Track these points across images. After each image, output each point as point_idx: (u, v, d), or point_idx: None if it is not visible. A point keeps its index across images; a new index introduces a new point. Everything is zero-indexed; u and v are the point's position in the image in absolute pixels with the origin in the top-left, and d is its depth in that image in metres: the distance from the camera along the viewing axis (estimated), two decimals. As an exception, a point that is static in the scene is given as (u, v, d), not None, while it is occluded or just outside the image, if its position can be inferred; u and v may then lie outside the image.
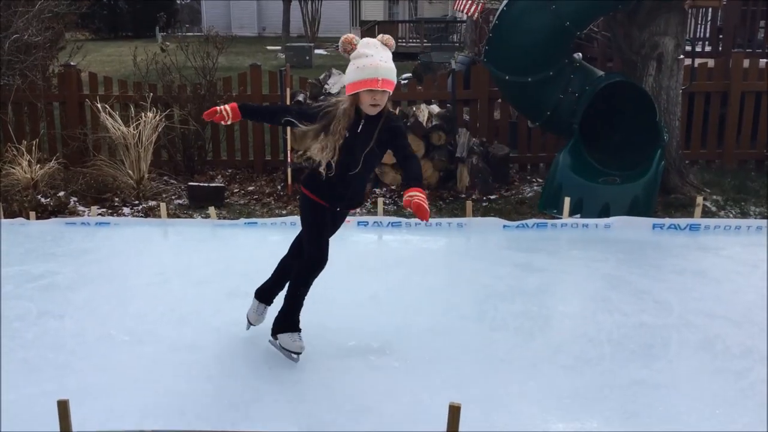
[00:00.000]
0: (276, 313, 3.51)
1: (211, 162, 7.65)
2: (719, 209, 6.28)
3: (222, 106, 3.35)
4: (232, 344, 3.66)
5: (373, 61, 3.11)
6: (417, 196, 2.95)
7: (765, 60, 8.07)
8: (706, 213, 5.99)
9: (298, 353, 3.42)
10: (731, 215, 6.12)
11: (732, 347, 3.61)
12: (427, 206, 2.96)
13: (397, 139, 3.25)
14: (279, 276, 3.66)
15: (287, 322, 3.44)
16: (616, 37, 6.73)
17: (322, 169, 3.22)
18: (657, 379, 3.32)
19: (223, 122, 3.34)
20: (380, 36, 3.26)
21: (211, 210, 5.78)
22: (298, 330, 3.43)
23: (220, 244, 5.32)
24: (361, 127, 3.21)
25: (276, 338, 3.48)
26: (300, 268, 3.45)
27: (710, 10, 9.84)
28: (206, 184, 6.72)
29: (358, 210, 6.32)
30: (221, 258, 4.98)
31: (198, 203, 6.45)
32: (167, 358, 3.51)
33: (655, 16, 6.24)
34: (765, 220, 5.57)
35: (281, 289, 3.62)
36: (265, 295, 3.70)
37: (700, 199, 5.67)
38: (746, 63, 7.60)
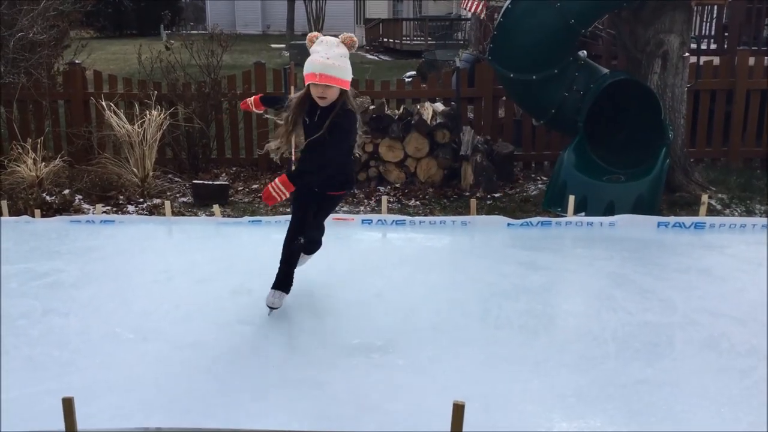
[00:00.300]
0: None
1: (215, 160, 7.66)
2: (724, 207, 6.26)
3: (249, 99, 4.18)
4: (236, 342, 3.67)
5: (316, 58, 3.48)
6: (272, 183, 3.46)
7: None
8: (711, 211, 5.98)
9: (271, 308, 3.87)
10: (736, 213, 6.10)
11: (737, 346, 3.60)
12: (273, 191, 3.45)
13: (332, 132, 3.55)
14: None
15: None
16: (621, 35, 6.71)
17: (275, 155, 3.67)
18: (661, 377, 3.31)
19: (249, 110, 4.07)
20: (342, 35, 3.59)
21: (216, 208, 5.79)
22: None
23: (224, 242, 5.33)
24: (317, 115, 3.60)
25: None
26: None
27: (716, 7, 9.81)
28: (211, 182, 6.73)
29: (361, 208, 6.32)
30: (225, 256, 4.98)
31: (202, 201, 6.45)
32: (172, 355, 3.52)
33: (660, 13, 6.22)
34: (766, 218, 5.56)
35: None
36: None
37: (705, 198, 5.65)
38: (752, 61, 7.57)
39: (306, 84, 3.56)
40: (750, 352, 3.53)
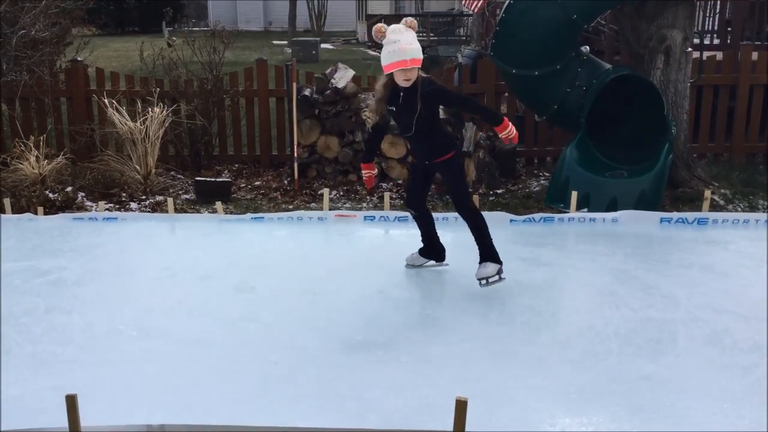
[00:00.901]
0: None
1: (217, 157, 7.67)
2: (727, 203, 6.25)
3: (367, 176, 4.37)
4: (239, 339, 3.67)
5: (403, 46, 3.83)
6: (507, 133, 3.97)
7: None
8: (714, 207, 5.96)
9: (481, 278, 4.12)
10: (739, 209, 6.09)
11: (740, 342, 3.60)
12: (515, 133, 4.00)
13: (443, 99, 4.22)
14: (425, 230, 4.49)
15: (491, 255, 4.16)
16: (624, 30, 6.69)
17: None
18: (664, 374, 3.31)
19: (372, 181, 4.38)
20: (404, 20, 3.96)
21: (218, 205, 5.79)
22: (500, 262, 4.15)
23: (227, 239, 5.33)
24: (401, 98, 3.95)
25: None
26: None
27: (719, 2, 9.78)
28: (213, 179, 6.73)
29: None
30: (228, 253, 4.99)
31: (205, 198, 6.46)
32: (175, 352, 3.53)
33: (663, 8, 6.19)
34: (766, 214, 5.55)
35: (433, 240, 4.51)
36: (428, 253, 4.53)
37: (708, 193, 5.64)
38: (755, 56, 7.54)
39: (390, 71, 3.87)
40: (753, 349, 3.52)
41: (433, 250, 4.53)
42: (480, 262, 4.16)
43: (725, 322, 3.81)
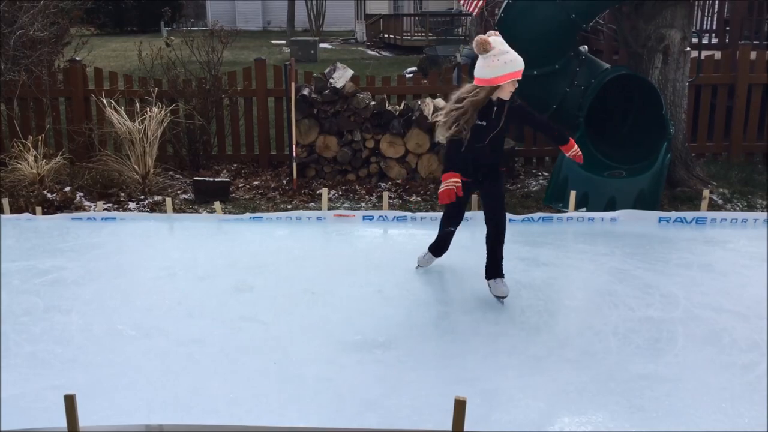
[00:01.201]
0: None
1: (216, 157, 7.66)
2: (726, 202, 6.25)
3: (456, 185, 3.91)
4: (238, 339, 3.67)
5: (515, 56, 3.85)
6: (573, 152, 4.05)
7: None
8: (713, 206, 5.97)
9: (502, 297, 4.07)
10: (738, 208, 6.10)
11: (739, 341, 3.60)
12: (580, 153, 4.06)
13: (524, 115, 4.17)
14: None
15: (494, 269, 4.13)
16: (622, 30, 6.69)
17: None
18: (663, 373, 3.31)
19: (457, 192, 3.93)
20: (494, 32, 3.96)
21: (217, 205, 5.79)
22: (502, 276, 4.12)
23: (225, 239, 5.33)
24: (495, 111, 3.92)
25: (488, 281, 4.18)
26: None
27: (717, 1, 9.78)
28: (211, 179, 6.73)
29: (363, 204, 6.33)
30: (227, 252, 4.99)
31: (203, 198, 6.46)
32: (174, 352, 3.53)
33: (662, 8, 6.20)
34: (767, 213, 5.55)
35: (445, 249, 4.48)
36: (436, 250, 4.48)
37: (706, 193, 5.65)
38: (753, 55, 7.54)
39: (502, 82, 3.83)
40: (752, 348, 3.53)
41: (443, 248, 4.51)
42: (490, 278, 4.13)
43: (724, 321, 3.81)
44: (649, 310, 3.97)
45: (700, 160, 7.29)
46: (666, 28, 6.22)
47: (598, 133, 6.34)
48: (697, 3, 6.48)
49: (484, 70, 3.85)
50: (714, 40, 9.83)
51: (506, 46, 3.86)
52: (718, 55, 7.78)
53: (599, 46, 8.54)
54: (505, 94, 3.89)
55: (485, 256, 4.15)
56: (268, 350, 3.54)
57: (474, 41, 3.85)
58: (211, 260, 4.82)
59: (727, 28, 9.66)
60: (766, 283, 4.28)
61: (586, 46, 6.60)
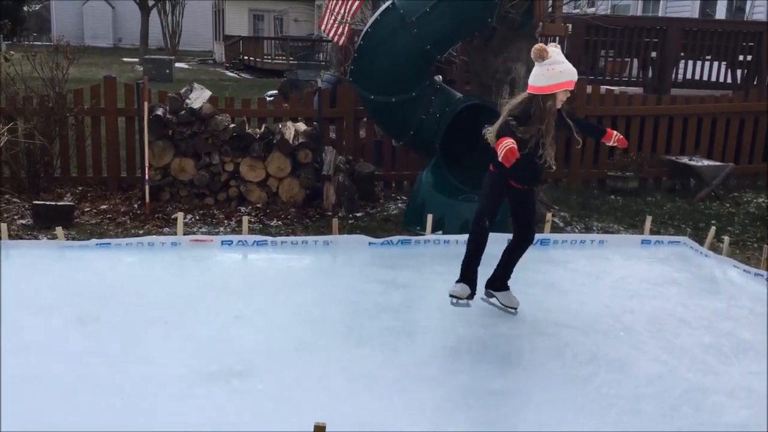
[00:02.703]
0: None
1: (59, 179, 7.16)
2: (566, 225, 6.74)
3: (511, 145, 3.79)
4: (84, 375, 3.41)
5: (570, 67, 3.91)
6: (615, 139, 4.26)
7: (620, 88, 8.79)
8: (555, 228, 6.40)
9: (515, 308, 4.27)
10: (576, 230, 6.58)
11: (579, 355, 3.86)
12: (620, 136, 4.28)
13: (577, 121, 4.31)
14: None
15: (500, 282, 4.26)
16: (474, 62, 7.06)
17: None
18: (513, 387, 3.48)
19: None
20: (554, 44, 4.05)
21: (59, 230, 5.38)
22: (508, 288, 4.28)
23: (68, 267, 4.96)
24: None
25: (490, 296, 4.31)
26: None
27: (557, 39, 10.59)
28: (53, 203, 6.27)
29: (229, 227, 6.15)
30: (70, 282, 4.65)
31: (44, 223, 5.99)
32: (8, 392, 3.20)
33: (508, 43, 6.61)
34: (607, 235, 6.04)
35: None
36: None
37: (549, 216, 6.05)
38: (589, 89, 8.25)
39: (556, 90, 3.88)
40: (591, 360, 3.80)
41: (476, 262, 4.24)
42: (498, 290, 4.32)
43: (566, 336, 4.08)
44: (499, 327, 4.17)
45: (544, 186, 7.81)
46: (512, 61, 6.64)
47: (453, 159, 6.61)
48: (539, 38, 6.96)
49: (539, 78, 3.92)
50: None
51: (562, 57, 3.95)
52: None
53: (453, 76, 8.96)
54: (560, 101, 3.99)
55: (493, 267, 4.31)
56: (115, 386, 3.31)
57: (533, 49, 3.91)
58: (53, 290, 4.46)
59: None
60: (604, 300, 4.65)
61: (440, 76, 6.90)
